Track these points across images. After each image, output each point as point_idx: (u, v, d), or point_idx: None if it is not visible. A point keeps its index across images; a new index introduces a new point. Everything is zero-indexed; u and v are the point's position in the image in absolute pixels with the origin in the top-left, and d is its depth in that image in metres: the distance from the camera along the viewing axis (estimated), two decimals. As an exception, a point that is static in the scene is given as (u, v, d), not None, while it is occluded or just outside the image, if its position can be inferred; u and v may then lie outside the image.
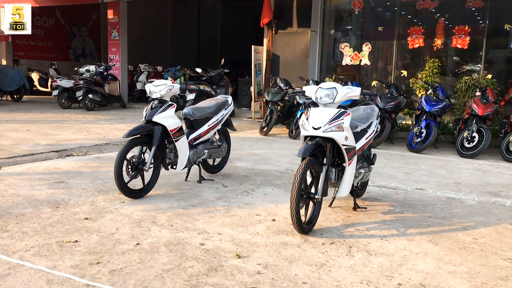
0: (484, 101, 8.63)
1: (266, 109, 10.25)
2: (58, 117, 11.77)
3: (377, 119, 5.13)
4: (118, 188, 4.91)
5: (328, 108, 4.30)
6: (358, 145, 4.72)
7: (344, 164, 4.42)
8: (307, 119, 4.32)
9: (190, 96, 11.42)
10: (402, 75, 11.44)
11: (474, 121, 8.55)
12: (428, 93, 9.31)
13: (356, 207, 4.93)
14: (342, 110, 4.32)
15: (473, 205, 5.30)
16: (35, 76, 17.04)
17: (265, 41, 12.37)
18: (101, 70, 13.78)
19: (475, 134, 8.44)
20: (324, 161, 4.23)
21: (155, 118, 5.11)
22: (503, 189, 6.11)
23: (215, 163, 6.36)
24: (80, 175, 6.03)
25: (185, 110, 5.65)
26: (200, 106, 5.84)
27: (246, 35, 22.35)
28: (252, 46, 12.06)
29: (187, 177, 5.95)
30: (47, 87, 16.53)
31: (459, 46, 10.80)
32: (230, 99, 6.26)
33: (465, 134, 8.54)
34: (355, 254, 3.73)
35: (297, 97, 9.60)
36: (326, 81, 10.72)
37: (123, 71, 15.03)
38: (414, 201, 5.40)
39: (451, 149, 9.13)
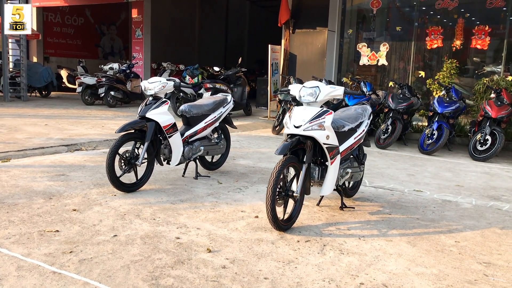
0: (499, 103, 8.40)
1: (280, 108, 10.26)
2: (79, 113, 12.12)
3: (368, 119, 5.10)
4: (110, 181, 5.05)
5: (310, 107, 4.31)
6: (346, 145, 4.71)
7: (326, 163, 4.42)
8: (289, 117, 4.34)
9: (206, 95, 11.55)
10: (420, 75, 11.24)
11: (487, 124, 8.34)
12: (441, 94, 9.14)
13: (343, 206, 4.91)
14: (324, 109, 4.32)
15: (468, 209, 5.19)
16: (63, 73, 17.55)
17: (282, 40, 12.38)
18: (124, 68, 14.10)
19: (488, 136, 8.24)
20: (304, 159, 4.24)
21: (149, 114, 5.23)
22: (506, 194, 5.95)
23: (214, 160, 6.44)
24: (83, 168, 6.22)
25: (182, 107, 5.75)
26: (197, 103, 5.93)
27: (273, 34, 22.32)
28: (269, 45, 12.09)
29: (184, 173, 6.05)
30: (75, 84, 17.02)
31: (478, 46, 10.53)
32: (229, 97, 6.33)
33: (478, 136, 8.34)
34: (326, 253, 3.73)
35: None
36: (343, 81, 10.67)
37: (146, 69, 15.33)
38: (407, 202, 5.33)
39: (464, 151, 8.94)
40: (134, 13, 15.42)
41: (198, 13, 22.95)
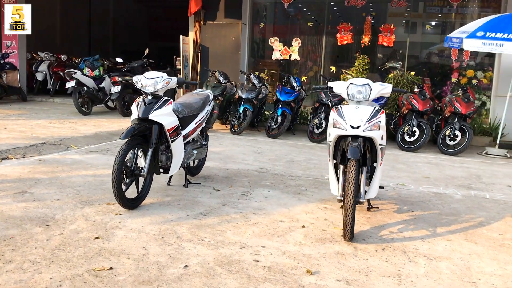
0: (422, 97, 9.07)
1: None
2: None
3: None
4: (117, 199, 4.20)
5: (364, 106, 4.08)
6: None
7: (375, 164, 4.24)
8: (341, 117, 4.05)
9: (115, 89, 10.42)
10: (331, 71, 11.64)
11: (413, 116, 8.94)
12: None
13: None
14: (377, 107, 4.13)
15: (463, 200, 5.47)
16: None
17: (191, 32, 11.76)
18: (-4, 58, 12.01)
19: (415, 128, 8.84)
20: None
21: (152, 116, 4.45)
22: (468, 181, 6.41)
23: (195, 164, 5.79)
24: (40, 183, 5.08)
25: (174, 106, 4.99)
26: (186, 101, 5.23)
27: (139, 25, 21.38)
28: (181, 36, 11.39)
29: (169, 181, 5.32)
30: None
31: (385, 44, 11.26)
32: (211, 94, 5.74)
33: (406, 128, 8.90)
34: (417, 260, 3.57)
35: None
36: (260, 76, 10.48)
37: (21, 59, 13.26)
38: (410, 197, 5.41)
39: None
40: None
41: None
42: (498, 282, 3.27)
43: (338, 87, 4.27)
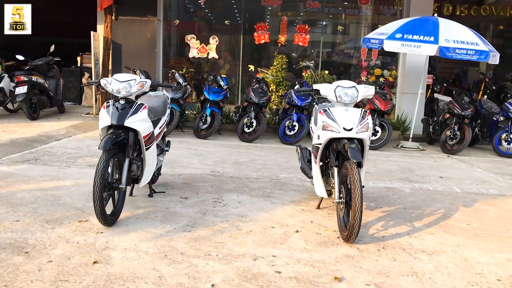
0: (384, 97, 9.38)
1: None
2: None
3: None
4: (99, 215, 3.79)
5: (352, 109, 4.15)
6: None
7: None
8: (332, 120, 4.06)
9: (21, 90, 9.34)
10: (249, 69, 11.66)
11: (376, 116, 9.24)
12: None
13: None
14: (363, 110, 4.21)
15: (413, 193, 5.81)
16: None
17: (102, 27, 10.99)
18: None
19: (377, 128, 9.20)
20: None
21: (128, 123, 4.07)
22: (405, 175, 6.84)
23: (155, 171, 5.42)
24: (-19, 202, 4.39)
25: (140, 111, 4.63)
26: (149, 105, 4.85)
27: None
28: (92, 32, 10.58)
29: (131, 192, 4.92)
30: None
31: (300, 43, 11.57)
32: (168, 95, 5.40)
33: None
34: (419, 257, 3.72)
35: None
36: (175, 73, 10.17)
37: None
38: (367, 193, 5.61)
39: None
40: None
41: None
42: (498, 270, 3.53)
43: (324, 89, 4.27)
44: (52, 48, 10.40)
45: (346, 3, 11.89)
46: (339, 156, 4.10)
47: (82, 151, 7.18)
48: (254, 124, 9.17)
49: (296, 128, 9.17)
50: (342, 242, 3.91)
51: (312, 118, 5.03)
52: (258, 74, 11.49)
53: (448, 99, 10.02)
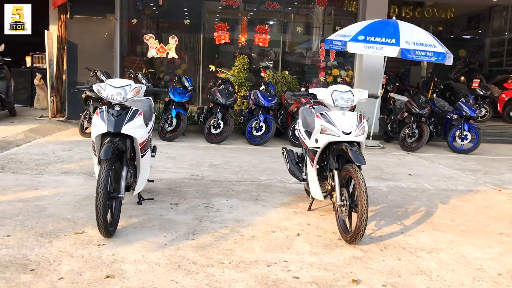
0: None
1: (90, 106, 8.79)
2: None
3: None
4: (101, 227, 3.67)
5: (349, 113, 4.23)
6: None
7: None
8: (331, 124, 4.13)
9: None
10: (210, 69, 11.57)
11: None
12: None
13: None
14: (359, 113, 4.31)
15: (391, 191, 6.02)
16: None
17: (54, 27, 10.52)
18: None
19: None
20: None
21: (125, 130, 3.94)
22: (377, 173, 7.05)
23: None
24: (-39, 216, 4.10)
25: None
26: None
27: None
28: (46, 31, 10.09)
29: (120, 199, 4.76)
30: None
31: (261, 44, 11.62)
32: (151, 99, 5.27)
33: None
34: (421, 255, 3.87)
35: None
36: (139, 74, 9.94)
37: None
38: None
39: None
40: None
41: None
42: (495, 265, 3.74)
43: (321, 93, 4.33)
44: (2, 47, 9.86)
45: (304, 4, 12.06)
46: (339, 159, 4.17)
47: (49, 157, 6.86)
48: (222, 125, 9.13)
49: (264, 128, 9.22)
50: (345, 243, 3.99)
51: (299, 121, 5.10)
52: (218, 74, 11.45)
53: (404, 98, 10.43)
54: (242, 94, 10.77)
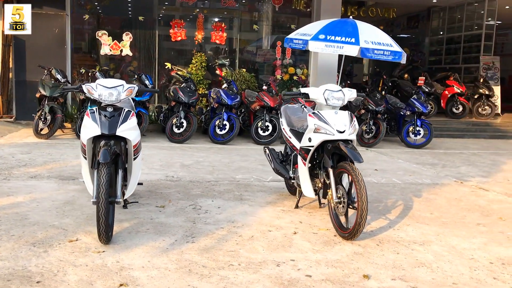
0: (271, 94, 9.67)
1: (45, 106, 8.37)
2: None
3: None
4: (101, 234, 3.51)
5: (342, 112, 4.32)
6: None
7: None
8: (325, 122, 4.20)
9: None
10: (166, 67, 11.33)
11: (264, 112, 9.47)
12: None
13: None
14: (350, 112, 4.40)
15: (366, 186, 6.16)
16: None
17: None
18: None
19: (268, 123, 9.42)
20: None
21: (120, 132, 3.80)
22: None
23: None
24: None
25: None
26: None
27: None
28: (-9, 26, 9.49)
29: (104, 203, 4.58)
30: None
31: (217, 41, 11.53)
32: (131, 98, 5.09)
33: (259, 123, 9.39)
34: (415, 248, 4.02)
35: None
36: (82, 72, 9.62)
37: None
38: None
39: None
40: None
41: None
42: (484, 254, 3.95)
43: (313, 93, 4.38)
44: None
45: (260, 2, 12.10)
46: (333, 157, 4.24)
47: (9, 161, 6.48)
48: (184, 124, 8.99)
49: (227, 127, 9.18)
50: (342, 240, 4.07)
51: (283, 120, 5.13)
52: (173, 71, 11.25)
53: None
54: (200, 92, 10.65)
